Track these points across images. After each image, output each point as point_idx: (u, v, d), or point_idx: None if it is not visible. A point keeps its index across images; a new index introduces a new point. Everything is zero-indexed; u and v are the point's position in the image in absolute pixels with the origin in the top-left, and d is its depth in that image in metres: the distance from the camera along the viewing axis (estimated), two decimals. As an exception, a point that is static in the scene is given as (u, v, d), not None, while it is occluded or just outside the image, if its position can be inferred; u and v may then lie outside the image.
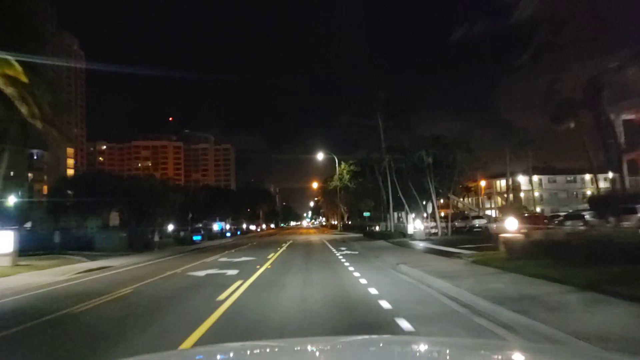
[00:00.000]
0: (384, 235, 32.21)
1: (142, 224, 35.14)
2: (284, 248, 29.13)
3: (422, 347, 2.95)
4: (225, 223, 68.26)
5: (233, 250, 29.05)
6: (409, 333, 6.25)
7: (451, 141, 32.25)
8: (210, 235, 57.58)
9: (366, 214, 46.88)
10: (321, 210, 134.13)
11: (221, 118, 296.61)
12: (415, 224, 29.34)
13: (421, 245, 24.63)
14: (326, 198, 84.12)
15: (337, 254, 21.99)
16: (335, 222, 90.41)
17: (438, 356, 2.73)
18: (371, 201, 59.60)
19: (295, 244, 34.53)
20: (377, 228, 41.21)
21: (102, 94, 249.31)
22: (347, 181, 60.97)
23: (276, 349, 3.27)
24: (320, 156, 58.68)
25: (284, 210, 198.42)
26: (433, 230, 31.95)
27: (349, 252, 23.26)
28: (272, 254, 23.23)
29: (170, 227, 45.05)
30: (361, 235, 42.91)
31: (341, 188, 62.35)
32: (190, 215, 57.92)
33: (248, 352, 3.04)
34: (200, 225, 64.93)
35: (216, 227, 63.47)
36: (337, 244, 31.89)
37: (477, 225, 43.05)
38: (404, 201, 32.63)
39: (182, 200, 60.88)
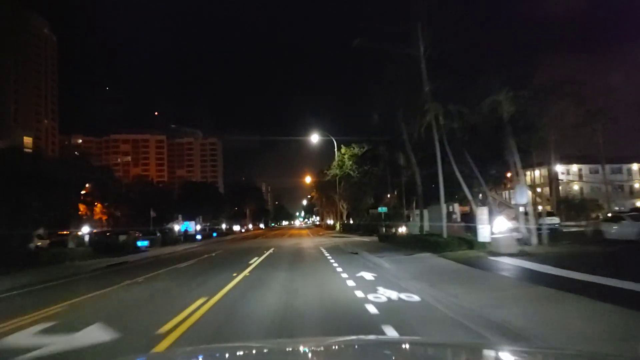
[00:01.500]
0: (425, 244, 18.28)
1: (21, 224, 21.24)
2: (250, 269, 15.32)
3: (416, 348, 2.85)
4: (196, 223, 54.21)
5: (150, 275, 15.16)
6: None
7: (541, 86, 18.82)
8: (171, 238, 43.15)
9: (382, 209, 33.14)
10: (315, 209, 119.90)
11: (211, 113, 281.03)
12: (495, 225, 15.48)
13: (568, 275, 10.85)
14: (321, 193, 69.99)
15: (375, 315, 8.33)
16: (332, 222, 76.75)
17: (431, 357, 2.62)
18: (371, 197, 46.19)
19: (276, 256, 20.93)
20: (403, 229, 27.39)
21: (83, 86, 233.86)
22: (349, 168, 47.64)
23: (265, 350, 3.12)
24: (315, 138, 44.60)
25: (276, 210, 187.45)
26: (514, 234, 18.02)
27: (393, 296, 9.41)
28: (199, 302, 9.37)
29: (86, 229, 30.97)
30: (375, 239, 29.12)
31: (341, 178, 49.13)
32: (152, 214, 44.88)
33: (227, 355, 2.93)
34: (177, 225, 52.13)
35: (178, 227, 48.63)
36: (346, 259, 18.21)
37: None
38: (464, 186, 18.72)
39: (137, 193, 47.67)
